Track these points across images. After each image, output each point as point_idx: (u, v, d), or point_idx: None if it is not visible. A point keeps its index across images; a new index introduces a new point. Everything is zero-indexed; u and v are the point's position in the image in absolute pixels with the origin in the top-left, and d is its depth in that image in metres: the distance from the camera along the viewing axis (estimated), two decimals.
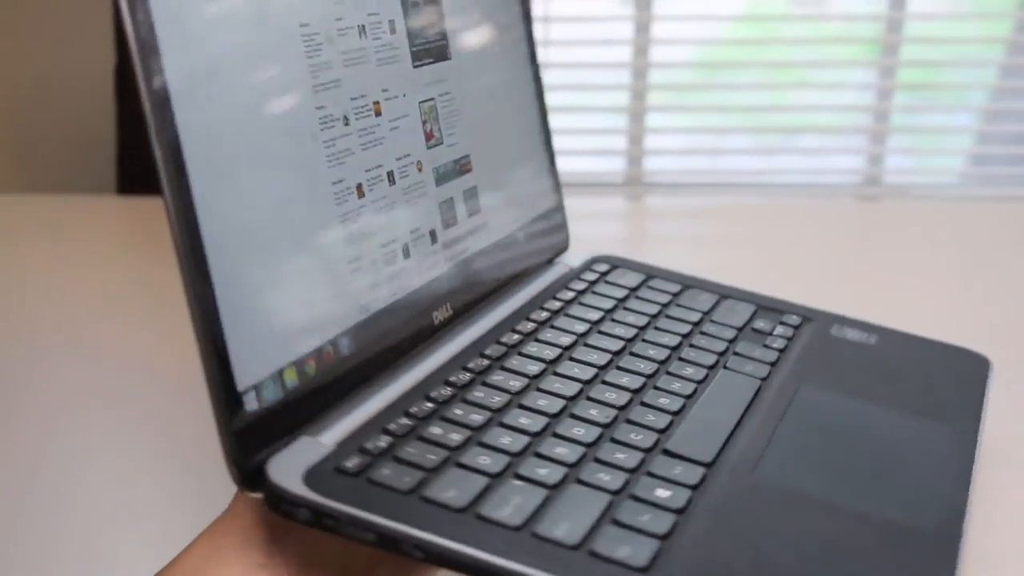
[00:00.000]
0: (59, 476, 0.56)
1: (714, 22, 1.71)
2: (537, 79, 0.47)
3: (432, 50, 0.39)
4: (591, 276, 0.48)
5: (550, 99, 1.85)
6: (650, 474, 0.32)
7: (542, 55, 1.59)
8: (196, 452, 0.58)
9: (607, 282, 0.48)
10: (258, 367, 0.30)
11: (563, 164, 1.99)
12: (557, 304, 0.44)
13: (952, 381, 0.45)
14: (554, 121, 1.91)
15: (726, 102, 1.72)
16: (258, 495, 0.29)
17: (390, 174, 0.37)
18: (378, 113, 0.36)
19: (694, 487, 0.32)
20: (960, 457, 0.38)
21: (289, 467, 0.29)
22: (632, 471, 0.32)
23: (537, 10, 1.51)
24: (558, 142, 2.03)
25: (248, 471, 0.29)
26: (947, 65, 1.71)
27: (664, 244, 1.08)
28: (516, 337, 0.40)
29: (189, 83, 0.27)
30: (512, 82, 0.45)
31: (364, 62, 0.35)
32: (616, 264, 0.49)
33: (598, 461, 0.32)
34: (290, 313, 0.31)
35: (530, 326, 0.42)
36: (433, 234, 0.39)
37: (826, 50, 1.68)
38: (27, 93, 1.54)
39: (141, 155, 1.25)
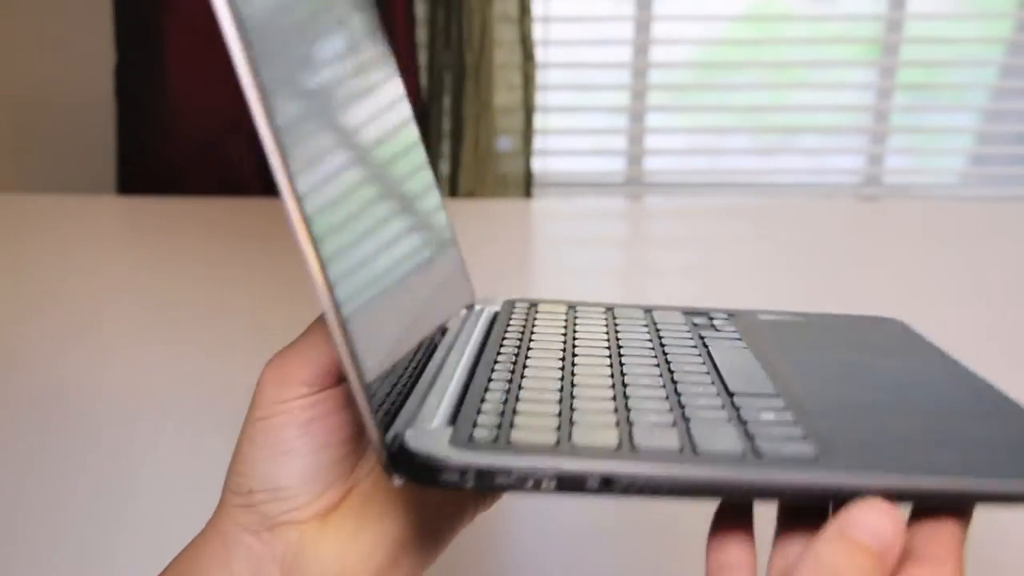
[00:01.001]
0: (56, 474, 0.56)
1: (714, 22, 1.71)
2: (419, 139, 0.48)
3: (366, 83, 0.40)
4: (522, 310, 0.49)
5: (550, 99, 1.83)
6: (739, 407, 0.34)
7: (543, 55, 1.60)
8: (197, 450, 0.58)
9: (542, 312, 0.49)
10: (375, 361, 0.31)
11: (563, 164, 1.97)
12: (517, 330, 0.45)
13: (894, 336, 0.48)
14: (554, 121, 1.89)
15: (726, 102, 1.72)
16: (399, 481, 0.29)
17: None
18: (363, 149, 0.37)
19: (785, 408, 0.34)
20: (966, 375, 0.40)
21: (429, 443, 0.29)
22: (721, 408, 0.33)
23: (537, 10, 1.51)
24: (558, 142, 2.01)
25: (392, 457, 0.30)
26: (947, 65, 1.71)
27: (664, 244, 1.08)
28: (513, 349, 0.41)
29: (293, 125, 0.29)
30: (412, 138, 0.46)
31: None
32: (533, 303, 0.51)
33: (687, 405, 0.33)
34: (391, 303, 0.32)
35: (513, 341, 0.42)
36: (414, 271, 0.40)
37: (826, 50, 1.68)
38: (27, 93, 1.54)
39: (141, 155, 1.26)
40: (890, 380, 0.38)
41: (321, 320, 0.32)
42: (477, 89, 1.42)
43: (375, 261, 0.33)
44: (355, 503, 0.32)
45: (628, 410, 0.33)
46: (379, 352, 0.31)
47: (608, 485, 0.28)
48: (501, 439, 0.30)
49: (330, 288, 0.28)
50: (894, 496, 0.28)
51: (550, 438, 0.30)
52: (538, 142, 1.53)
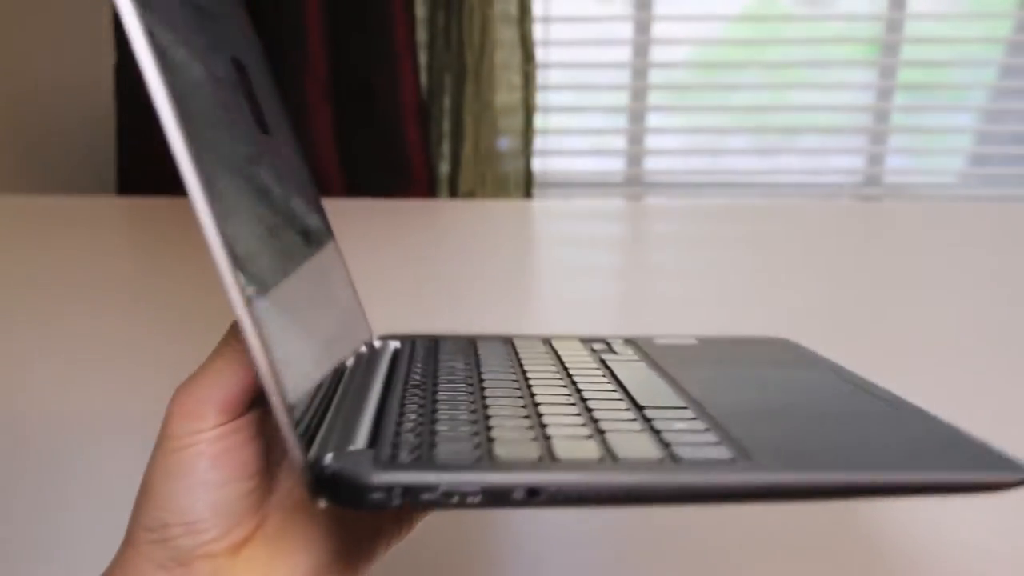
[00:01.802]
0: (54, 474, 0.56)
1: (714, 22, 1.71)
2: (302, 156, 0.47)
3: (261, 119, 0.38)
4: (424, 344, 0.49)
5: (550, 99, 1.82)
6: (651, 419, 0.34)
7: (543, 55, 1.60)
8: None
9: (444, 343, 0.49)
10: (292, 382, 0.30)
11: (563, 164, 1.96)
12: (422, 359, 0.45)
13: (791, 359, 0.50)
14: (554, 121, 1.89)
15: (726, 102, 1.72)
16: (322, 503, 0.29)
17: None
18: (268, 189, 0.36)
19: (695, 419, 0.34)
20: (855, 378, 0.41)
21: (354, 465, 0.29)
22: (634, 420, 0.34)
23: (537, 10, 1.51)
24: (558, 142, 2.00)
25: (315, 480, 0.29)
26: (947, 65, 1.72)
27: (664, 244, 1.08)
28: (421, 375, 0.41)
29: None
30: (296, 155, 0.45)
31: (244, 129, 0.35)
32: (435, 339, 0.51)
33: (600, 420, 0.34)
34: (302, 332, 0.32)
35: (420, 369, 0.42)
36: (321, 300, 0.40)
37: (826, 50, 1.68)
38: (28, 94, 1.54)
39: (141, 155, 1.26)
40: (784, 387, 0.40)
41: (226, 345, 0.32)
42: (477, 89, 1.42)
43: (288, 286, 0.33)
44: (268, 534, 0.32)
45: (544, 426, 0.33)
46: (295, 374, 0.31)
47: (534, 496, 0.28)
48: (423, 457, 0.30)
49: (249, 305, 0.28)
50: (816, 492, 0.29)
51: (472, 454, 0.30)
52: (538, 142, 1.53)
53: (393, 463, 0.30)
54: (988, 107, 1.73)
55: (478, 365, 0.43)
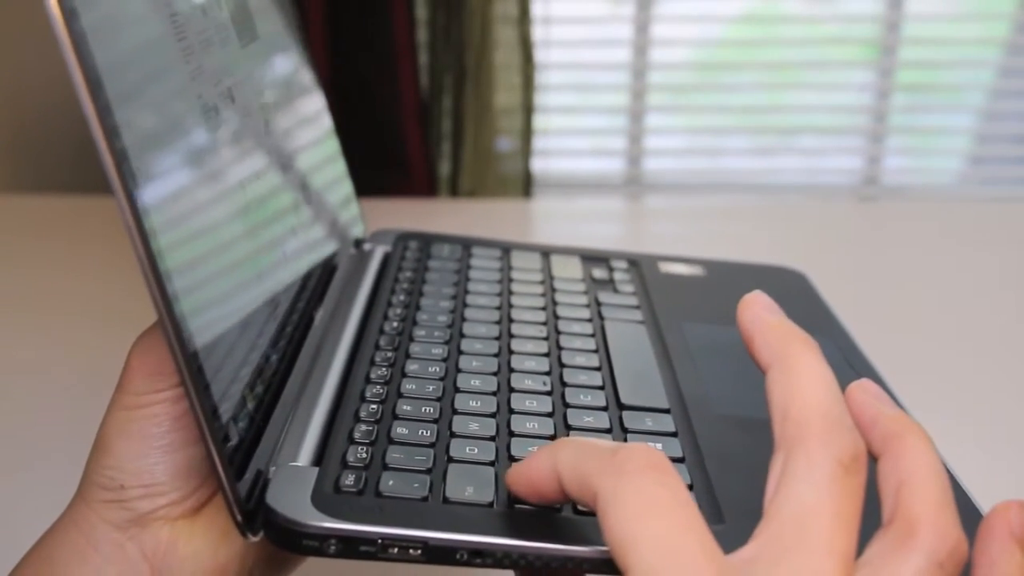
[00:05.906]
0: (52, 475, 0.56)
1: (713, 23, 1.72)
2: (312, 65, 0.44)
3: (248, 29, 0.35)
4: (414, 255, 0.46)
5: (550, 100, 1.81)
6: (628, 430, 0.32)
7: (542, 56, 1.60)
8: None
9: (435, 257, 0.46)
10: (231, 397, 0.28)
11: (563, 164, 1.95)
12: (407, 286, 0.42)
13: (793, 296, 0.47)
14: (554, 122, 1.88)
15: (725, 103, 1.72)
16: (255, 538, 0.27)
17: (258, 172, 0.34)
18: (232, 100, 0.33)
19: (675, 434, 0.33)
20: (856, 361, 0.40)
21: (290, 499, 0.27)
22: (609, 432, 0.32)
23: (537, 11, 1.51)
24: (559, 143, 1.99)
25: (250, 513, 0.27)
26: (945, 66, 1.72)
27: (664, 244, 1.09)
28: (396, 324, 0.38)
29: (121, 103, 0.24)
30: (301, 63, 0.43)
31: (212, 44, 0.32)
32: (427, 239, 0.47)
33: (576, 429, 0.32)
34: (238, 330, 0.29)
35: (400, 311, 0.40)
36: (295, 231, 0.37)
37: (825, 51, 1.68)
38: (27, 93, 1.54)
39: None
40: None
41: None
42: (477, 90, 1.42)
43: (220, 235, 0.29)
44: None
45: (511, 433, 0.31)
46: (231, 374, 0.28)
47: (483, 559, 0.27)
48: (371, 489, 0.28)
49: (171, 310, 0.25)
50: None
51: (420, 488, 0.28)
52: (538, 142, 1.53)
53: (335, 495, 0.27)
54: (986, 108, 1.73)
55: (462, 318, 0.40)
